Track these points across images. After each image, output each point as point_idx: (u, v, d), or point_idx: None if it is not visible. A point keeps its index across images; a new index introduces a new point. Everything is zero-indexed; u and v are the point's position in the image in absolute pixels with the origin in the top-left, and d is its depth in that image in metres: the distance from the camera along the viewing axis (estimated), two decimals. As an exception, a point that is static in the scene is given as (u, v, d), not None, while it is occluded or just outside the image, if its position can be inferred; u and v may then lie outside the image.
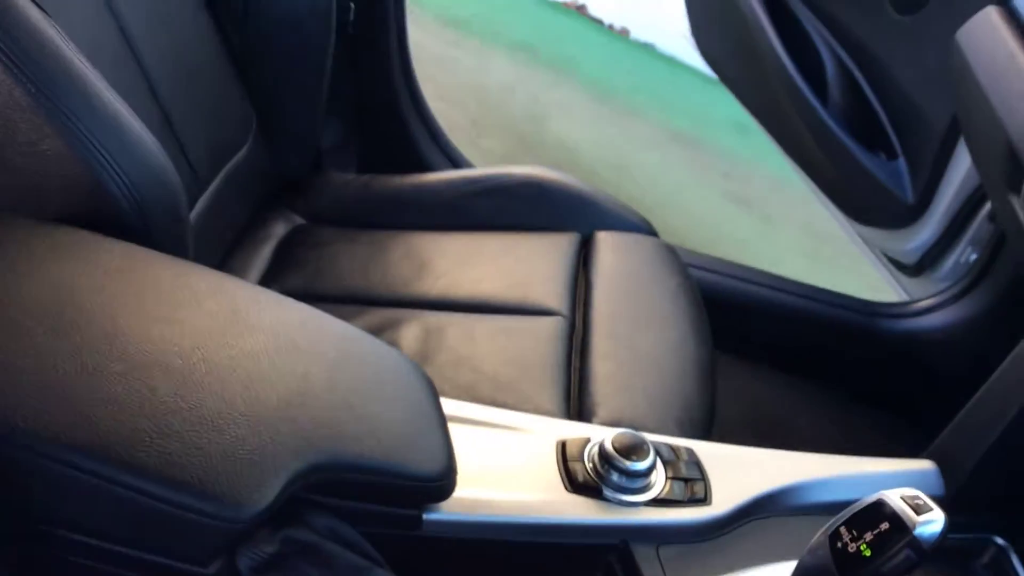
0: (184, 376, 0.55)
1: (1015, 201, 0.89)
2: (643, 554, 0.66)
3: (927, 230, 1.25)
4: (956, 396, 0.81)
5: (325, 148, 1.36)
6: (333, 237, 1.14)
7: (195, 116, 1.00)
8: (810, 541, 0.56)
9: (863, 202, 1.32)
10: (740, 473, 0.73)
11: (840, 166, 1.29)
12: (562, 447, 0.70)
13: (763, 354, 1.41)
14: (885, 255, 1.39)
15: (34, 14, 0.67)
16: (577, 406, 0.90)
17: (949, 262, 1.26)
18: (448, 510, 0.64)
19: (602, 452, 0.68)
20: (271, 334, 0.61)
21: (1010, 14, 0.94)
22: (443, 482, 0.62)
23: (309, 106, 1.16)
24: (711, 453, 0.74)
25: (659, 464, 0.70)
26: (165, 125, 0.95)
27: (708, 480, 0.71)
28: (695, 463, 0.72)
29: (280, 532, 0.56)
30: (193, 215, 0.97)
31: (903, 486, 0.54)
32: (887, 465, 0.77)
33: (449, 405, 0.70)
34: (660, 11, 2.66)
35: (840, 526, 0.55)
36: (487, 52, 2.59)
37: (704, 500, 0.69)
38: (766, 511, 0.72)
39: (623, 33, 2.91)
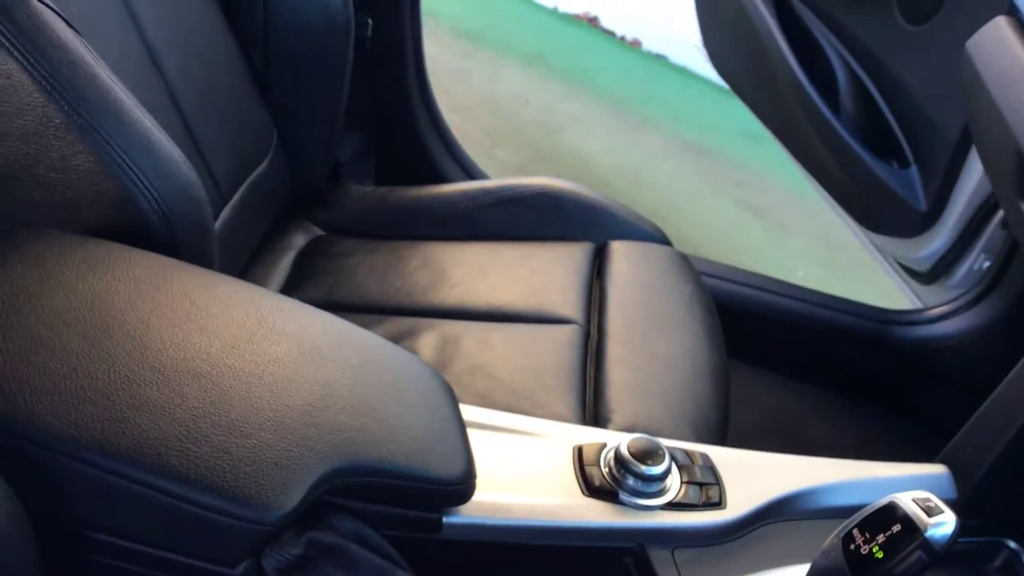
0: (213, 382, 0.57)
1: (1026, 208, 0.89)
2: (659, 557, 0.67)
3: (940, 238, 1.25)
4: (969, 402, 0.82)
5: (343, 160, 1.38)
6: (352, 248, 1.16)
7: (218, 131, 1.02)
8: (823, 544, 0.57)
9: (876, 210, 1.33)
10: (754, 478, 0.73)
11: (853, 175, 1.29)
12: (578, 452, 0.71)
13: (777, 361, 1.41)
14: (898, 263, 1.39)
15: (66, 33, 0.69)
16: (593, 412, 0.91)
17: (962, 269, 1.26)
18: (467, 513, 0.65)
19: (618, 457, 0.69)
20: (295, 341, 0.63)
21: (1019, 23, 0.94)
22: (463, 486, 0.63)
23: (328, 120, 1.18)
24: (725, 458, 0.75)
25: (674, 469, 0.70)
26: (189, 140, 0.97)
27: (723, 484, 0.72)
28: (710, 468, 0.73)
29: (305, 534, 0.57)
30: (216, 227, 0.99)
31: (915, 490, 0.55)
32: (900, 470, 0.77)
33: (467, 411, 0.71)
34: (672, 22, 2.68)
35: (853, 528, 0.55)
36: (501, 64, 2.61)
37: (719, 504, 0.70)
38: (780, 515, 0.73)
39: (635, 44, 2.92)
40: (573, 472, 0.70)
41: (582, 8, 2.98)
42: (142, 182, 0.70)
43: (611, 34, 2.95)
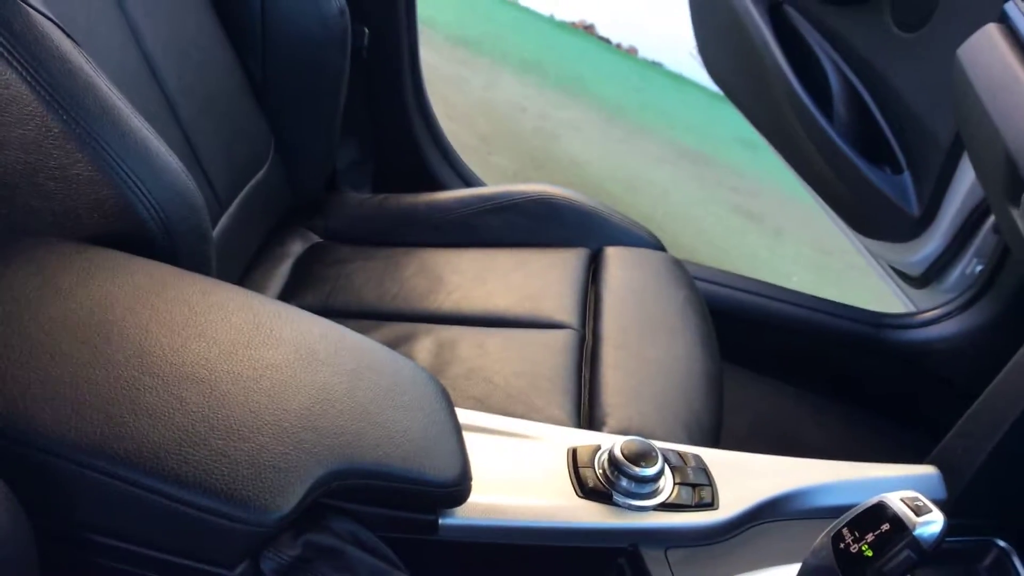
0: (211, 387, 0.58)
1: (1016, 213, 0.90)
2: (652, 557, 0.67)
3: (933, 242, 1.26)
4: (962, 405, 0.82)
5: (341, 168, 1.39)
6: (349, 255, 1.17)
7: (215, 139, 1.03)
8: (814, 543, 0.57)
9: (870, 216, 1.33)
10: (746, 479, 0.74)
11: (846, 181, 1.30)
12: (573, 454, 0.72)
13: (771, 365, 1.42)
14: (892, 267, 1.40)
15: (65, 44, 0.70)
16: (588, 415, 0.92)
17: (955, 273, 1.27)
18: (463, 515, 0.65)
19: (612, 459, 0.70)
20: (293, 346, 0.64)
21: (1010, 31, 0.95)
22: (458, 488, 0.64)
23: (325, 129, 1.19)
24: (718, 460, 0.75)
25: (667, 470, 0.71)
26: (187, 148, 0.98)
27: (715, 486, 0.72)
28: (702, 469, 0.73)
29: (303, 536, 0.57)
30: (214, 234, 0.99)
31: (905, 490, 0.56)
32: (890, 470, 0.78)
33: (463, 415, 0.71)
34: (668, 30, 2.69)
35: (843, 527, 0.56)
36: (497, 71, 2.63)
37: (711, 505, 0.71)
38: (772, 515, 0.73)
39: (631, 52, 2.93)
40: (567, 474, 0.71)
41: (578, 16, 2.99)
42: (141, 190, 0.71)
43: (607, 42, 2.96)
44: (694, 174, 2.38)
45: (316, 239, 1.23)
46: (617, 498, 0.69)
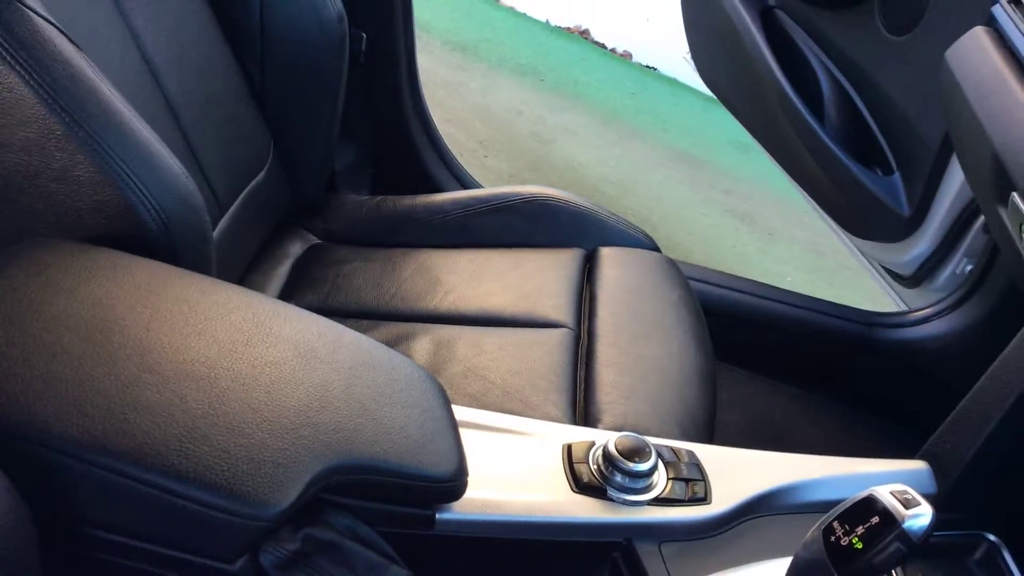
0: (211, 384, 0.59)
1: (1004, 213, 0.92)
2: (646, 551, 0.68)
3: (923, 242, 1.27)
4: (953, 402, 0.83)
5: (339, 170, 1.39)
6: (348, 256, 1.18)
7: (215, 142, 1.04)
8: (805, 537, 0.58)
9: (861, 216, 1.35)
10: (739, 474, 0.75)
11: (838, 182, 1.31)
12: (568, 450, 0.73)
13: (764, 364, 1.43)
14: (883, 267, 1.41)
15: (67, 48, 0.71)
16: (583, 412, 0.93)
17: (945, 273, 1.28)
18: (460, 510, 0.66)
19: (606, 454, 0.71)
20: (292, 344, 0.65)
21: (997, 34, 0.96)
22: (455, 483, 0.64)
23: (324, 132, 1.19)
24: (711, 455, 0.77)
25: (661, 465, 0.72)
26: (188, 151, 0.99)
27: (708, 481, 0.73)
28: (695, 464, 0.75)
29: (302, 531, 0.58)
30: (215, 235, 1.00)
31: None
32: (881, 465, 0.79)
33: (459, 412, 0.72)
34: (661, 35, 2.71)
35: (833, 521, 0.57)
36: (494, 76, 2.64)
37: (704, 499, 0.72)
38: (764, 510, 0.74)
39: (626, 56, 2.95)
40: (563, 470, 0.72)
41: (573, 21, 3.01)
42: (142, 192, 0.72)
43: (602, 47, 2.98)
44: (688, 176, 2.40)
45: (315, 240, 1.24)
46: (611, 493, 0.70)
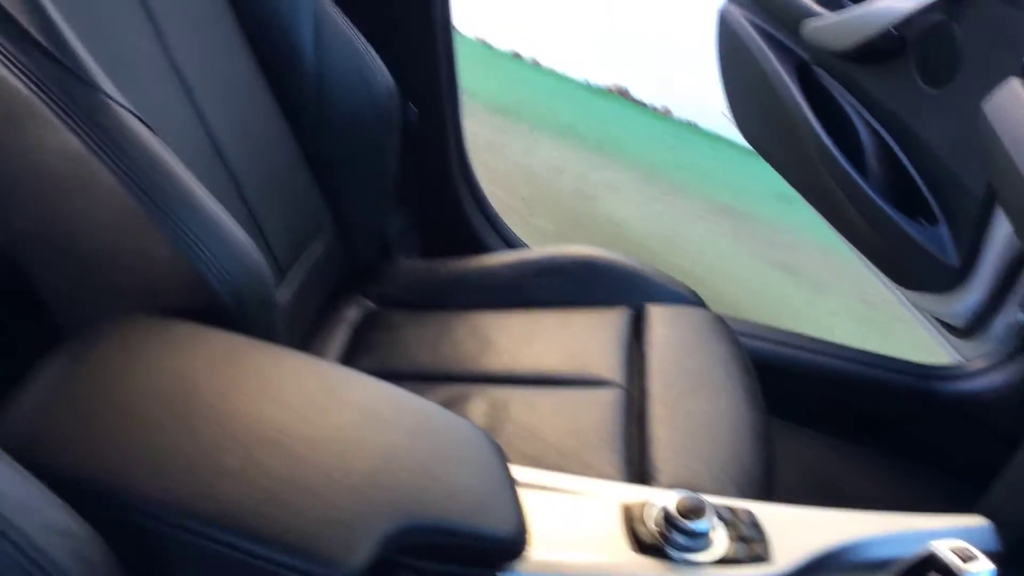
0: (287, 449, 0.62)
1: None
2: (709, 611, 0.69)
3: (974, 293, 1.25)
4: (1010, 455, 0.83)
5: (391, 234, 1.44)
6: (403, 320, 1.21)
7: (276, 212, 1.09)
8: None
9: (908, 268, 1.34)
10: (799, 532, 0.75)
11: (883, 234, 1.31)
12: (626, 510, 0.74)
13: (818, 419, 1.41)
14: (936, 318, 1.40)
15: (144, 133, 0.75)
16: (638, 471, 0.93)
17: (1000, 323, 1.26)
18: (522, 571, 0.67)
19: (665, 514, 0.71)
20: (358, 409, 0.68)
21: (1032, 84, 0.98)
22: (516, 542, 0.66)
23: (377, 200, 1.24)
24: (770, 513, 0.76)
25: (720, 524, 0.72)
26: (252, 222, 1.04)
27: (768, 540, 0.73)
28: (754, 523, 0.74)
29: (372, 591, 0.61)
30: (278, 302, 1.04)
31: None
32: (941, 522, 0.78)
33: (516, 472, 0.73)
34: (700, 90, 2.74)
35: (895, 579, 0.58)
36: (536, 136, 2.69)
37: (765, 559, 0.71)
38: (826, 569, 0.73)
39: (665, 113, 2.99)
40: (622, 529, 0.72)
41: (612, 81, 3.07)
42: (215, 266, 0.76)
43: (641, 104, 3.02)
44: (730, 229, 2.40)
45: (370, 305, 1.28)
46: (672, 553, 0.70)
